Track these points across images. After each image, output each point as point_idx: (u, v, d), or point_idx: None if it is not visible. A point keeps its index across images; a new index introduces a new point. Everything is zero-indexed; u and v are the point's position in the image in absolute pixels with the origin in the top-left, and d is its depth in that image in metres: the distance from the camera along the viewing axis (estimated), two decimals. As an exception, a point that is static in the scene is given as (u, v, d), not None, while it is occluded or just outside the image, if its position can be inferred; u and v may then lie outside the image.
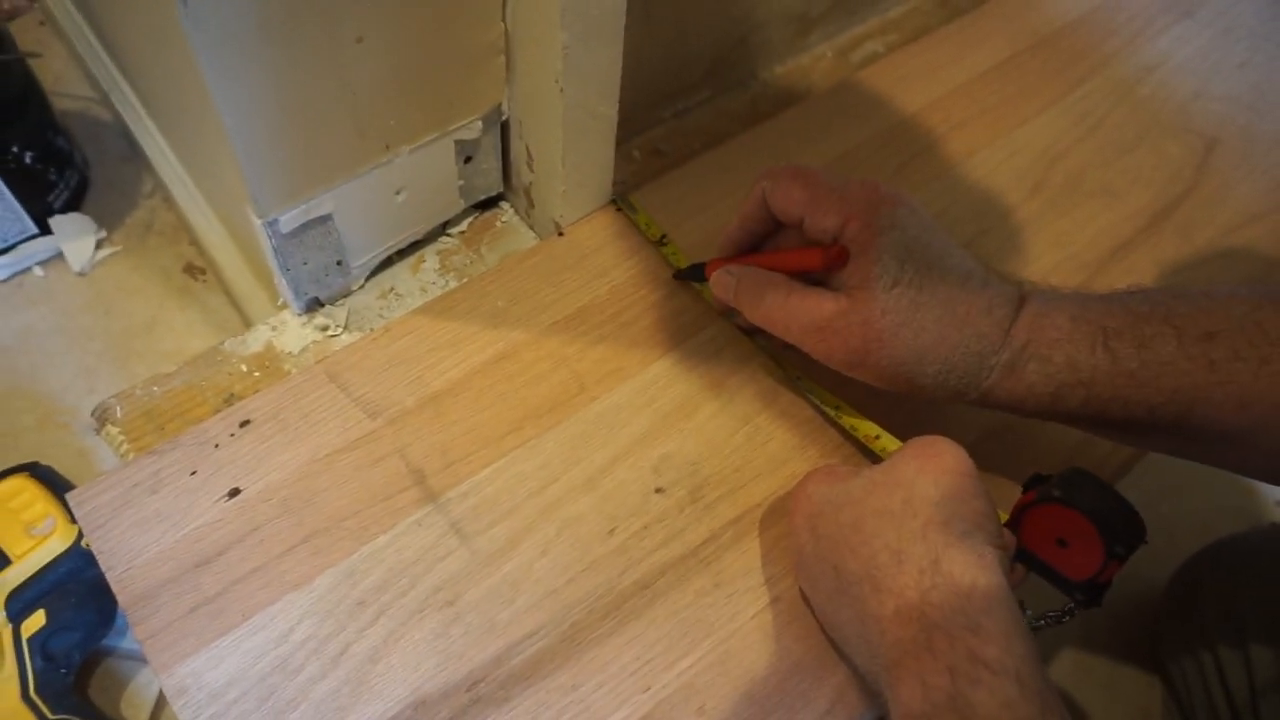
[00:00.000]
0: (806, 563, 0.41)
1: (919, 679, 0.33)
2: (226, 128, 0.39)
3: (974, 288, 0.40)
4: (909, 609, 0.34)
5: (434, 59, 0.44)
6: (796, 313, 0.41)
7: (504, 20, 0.45)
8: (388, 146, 0.47)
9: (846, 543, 0.38)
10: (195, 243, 0.74)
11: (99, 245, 0.74)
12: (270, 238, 0.45)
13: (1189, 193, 0.60)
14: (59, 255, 0.73)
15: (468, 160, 0.52)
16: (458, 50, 0.45)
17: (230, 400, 0.49)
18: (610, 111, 0.49)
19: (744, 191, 0.57)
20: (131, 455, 0.47)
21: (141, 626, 0.40)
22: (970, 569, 0.34)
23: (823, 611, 0.41)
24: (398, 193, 0.49)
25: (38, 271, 0.73)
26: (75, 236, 0.73)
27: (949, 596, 0.34)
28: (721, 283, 0.46)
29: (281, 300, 0.51)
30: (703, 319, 0.52)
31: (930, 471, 0.37)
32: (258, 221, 0.44)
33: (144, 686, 0.58)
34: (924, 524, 0.36)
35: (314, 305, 0.52)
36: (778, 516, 0.45)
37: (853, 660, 0.40)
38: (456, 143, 0.50)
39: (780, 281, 0.43)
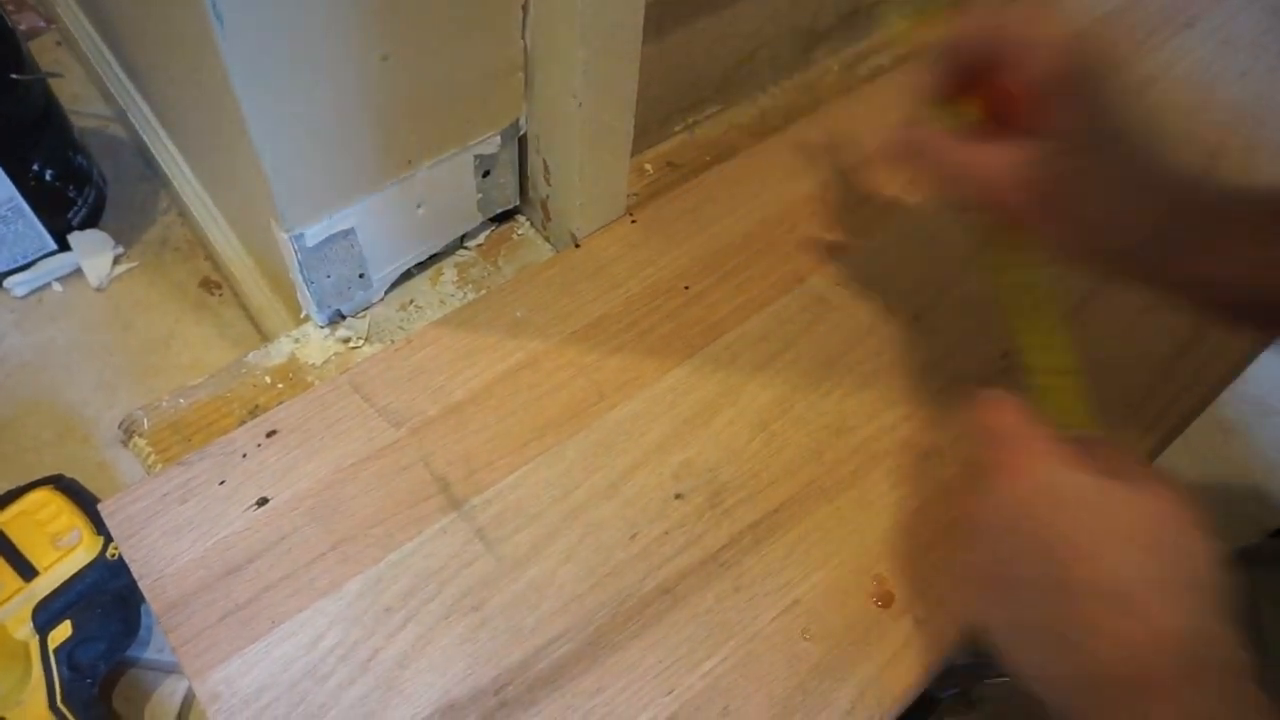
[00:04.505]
0: (1011, 535, 0.37)
1: (1210, 691, 0.31)
2: (257, 146, 0.40)
3: (1168, 162, 0.38)
4: (1181, 634, 0.32)
5: (455, 76, 0.46)
6: (982, 160, 0.40)
7: (523, 38, 0.46)
8: (409, 162, 0.48)
9: (1093, 548, 0.35)
10: (211, 258, 0.75)
11: (116, 261, 0.75)
12: (296, 252, 0.46)
13: (1193, 200, 0.61)
14: (78, 271, 0.74)
15: (486, 175, 0.53)
16: (478, 67, 0.46)
17: (255, 411, 0.50)
18: (626, 126, 0.50)
19: (757, 202, 0.58)
20: (159, 466, 0.47)
21: (175, 633, 0.41)
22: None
23: (1000, 586, 0.37)
24: (418, 207, 0.50)
25: (57, 287, 0.74)
26: (93, 253, 0.74)
27: (1231, 648, 0.32)
28: (904, 139, 0.43)
29: (304, 313, 0.52)
30: (718, 328, 0.53)
31: (1195, 532, 0.35)
32: (284, 236, 0.45)
33: (166, 697, 0.58)
34: (1204, 589, 0.34)
35: (336, 318, 0.52)
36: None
37: (1021, 650, 0.36)
38: (475, 157, 0.51)
39: (966, 133, 0.41)
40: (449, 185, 0.51)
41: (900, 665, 0.43)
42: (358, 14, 0.39)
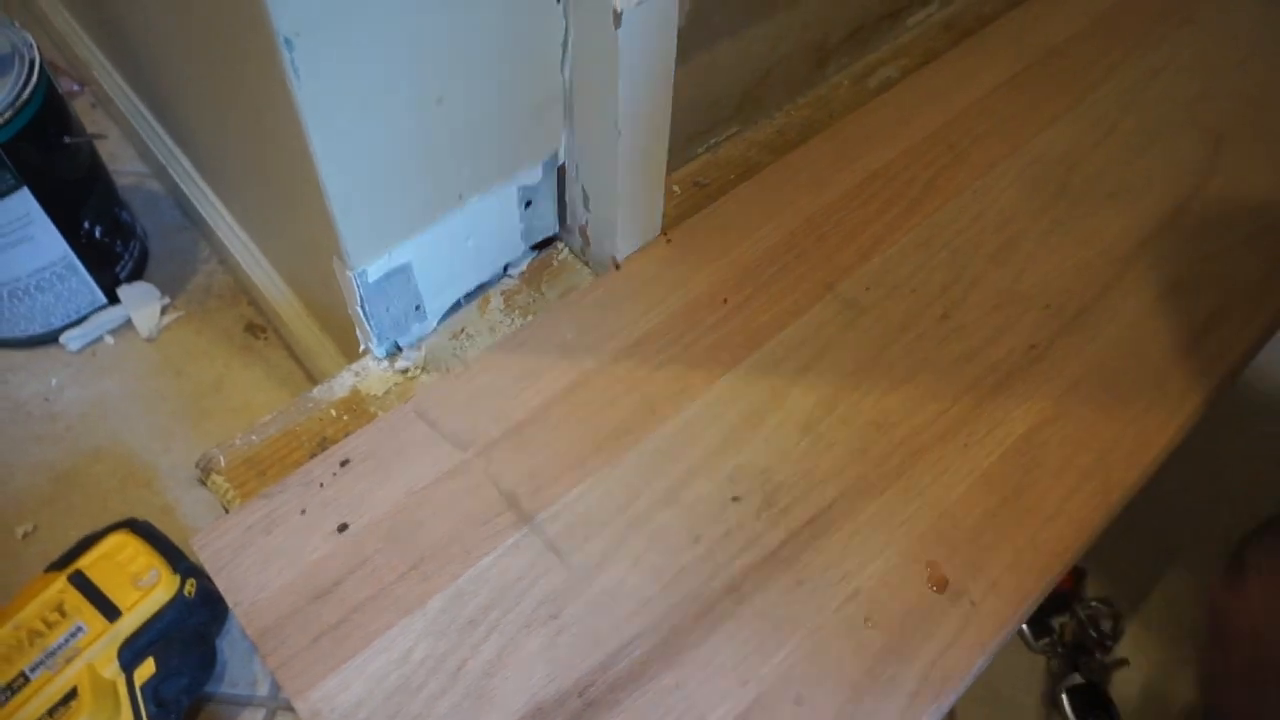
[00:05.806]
0: None
1: None
2: (327, 191, 0.42)
3: None
4: None
5: (502, 112, 0.48)
6: None
7: (563, 72, 0.49)
8: (459, 196, 0.50)
9: None
10: (255, 302, 0.77)
11: (164, 311, 0.78)
12: (358, 288, 0.49)
13: (1205, 186, 0.64)
14: (128, 323, 0.77)
15: (528, 205, 0.55)
16: (523, 102, 0.49)
17: (323, 444, 0.52)
18: (661, 150, 0.52)
19: (783, 215, 0.61)
20: (237, 501, 0.50)
21: (272, 656, 0.43)
22: None
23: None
24: (467, 239, 0.53)
25: (109, 340, 0.76)
26: (142, 304, 0.77)
27: None
28: None
29: (362, 347, 0.54)
30: (757, 337, 0.55)
31: None
32: (348, 274, 0.48)
33: (245, 727, 0.60)
34: None
35: (394, 350, 0.55)
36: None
37: None
38: (519, 188, 0.53)
39: None
40: (495, 217, 0.54)
41: (960, 646, 0.45)
42: (417, 63, 0.41)
